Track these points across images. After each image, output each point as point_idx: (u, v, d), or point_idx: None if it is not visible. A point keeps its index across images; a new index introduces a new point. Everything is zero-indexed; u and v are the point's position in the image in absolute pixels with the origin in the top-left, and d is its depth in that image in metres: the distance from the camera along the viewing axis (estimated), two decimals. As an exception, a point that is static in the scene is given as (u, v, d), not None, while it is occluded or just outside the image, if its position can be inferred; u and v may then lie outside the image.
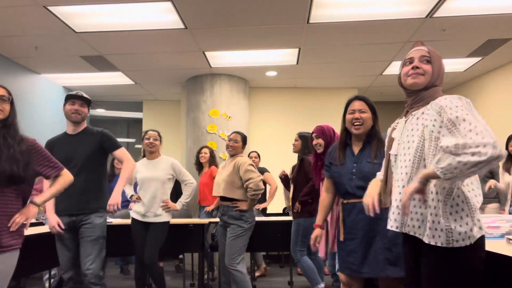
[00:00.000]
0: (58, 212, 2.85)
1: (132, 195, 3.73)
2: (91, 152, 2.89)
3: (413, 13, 4.06)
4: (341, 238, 2.36)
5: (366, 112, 2.33)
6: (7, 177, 1.93)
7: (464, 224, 1.55)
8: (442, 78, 1.74)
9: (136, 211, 3.63)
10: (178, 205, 3.68)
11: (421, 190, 1.54)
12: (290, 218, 4.21)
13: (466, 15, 4.11)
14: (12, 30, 4.32)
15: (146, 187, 3.60)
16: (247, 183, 3.41)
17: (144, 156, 3.78)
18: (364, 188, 2.22)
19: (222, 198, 3.58)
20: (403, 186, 1.66)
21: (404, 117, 1.80)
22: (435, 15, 4.09)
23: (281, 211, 6.05)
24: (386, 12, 4.04)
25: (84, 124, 3.01)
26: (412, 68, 1.70)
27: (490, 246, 1.96)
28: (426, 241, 1.58)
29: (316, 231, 2.53)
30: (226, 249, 3.49)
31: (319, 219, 2.54)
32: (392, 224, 1.74)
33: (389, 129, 1.90)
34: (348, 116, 2.34)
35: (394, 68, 5.79)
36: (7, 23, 4.16)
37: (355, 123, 2.31)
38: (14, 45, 4.81)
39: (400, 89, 1.82)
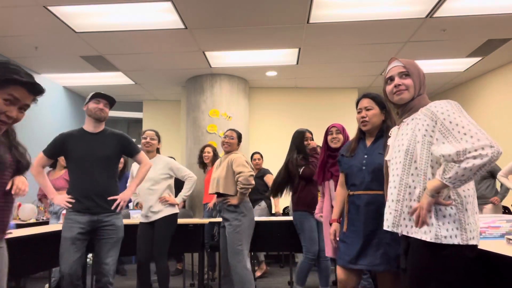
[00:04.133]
0: (79, 211, 2.81)
1: (138, 203, 3.74)
2: (111, 153, 2.90)
3: (413, 13, 4.06)
4: (344, 229, 2.39)
5: (373, 109, 2.40)
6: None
7: (451, 222, 1.61)
8: (425, 85, 1.86)
9: (141, 214, 3.69)
10: (178, 199, 3.69)
11: (434, 202, 1.61)
12: (290, 218, 4.20)
13: (466, 15, 4.11)
14: (12, 30, 4.33)
15: (141, 187, 3.61)
16: (237, 176, 3.44)
17: None
18: (373, 180, 2.28)
19: (218, 195, 3.59)
20: (394, 188, 1.77)
21: (397, 126, 1.92)
22: (435, 15, 4.09)
23: (281, 211, 6.05)
24: (386, 12, 4.04)
25: (103, 125, 3.00)
26: (395, 86, 1.83)
27: (490, 246, 1.96)
28: (418, 237, 1.64)
29: (333, 226, 2.56)
30: (228, 247, 3.49)
31: (335, 213, 2.59)
32: (386, 224, 1.82)
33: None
34: (357, 116, 2.45)
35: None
36: (7, 23, 4.16)
37: (362, 121, 2.40)
38: (14, 45, 4.81)
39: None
